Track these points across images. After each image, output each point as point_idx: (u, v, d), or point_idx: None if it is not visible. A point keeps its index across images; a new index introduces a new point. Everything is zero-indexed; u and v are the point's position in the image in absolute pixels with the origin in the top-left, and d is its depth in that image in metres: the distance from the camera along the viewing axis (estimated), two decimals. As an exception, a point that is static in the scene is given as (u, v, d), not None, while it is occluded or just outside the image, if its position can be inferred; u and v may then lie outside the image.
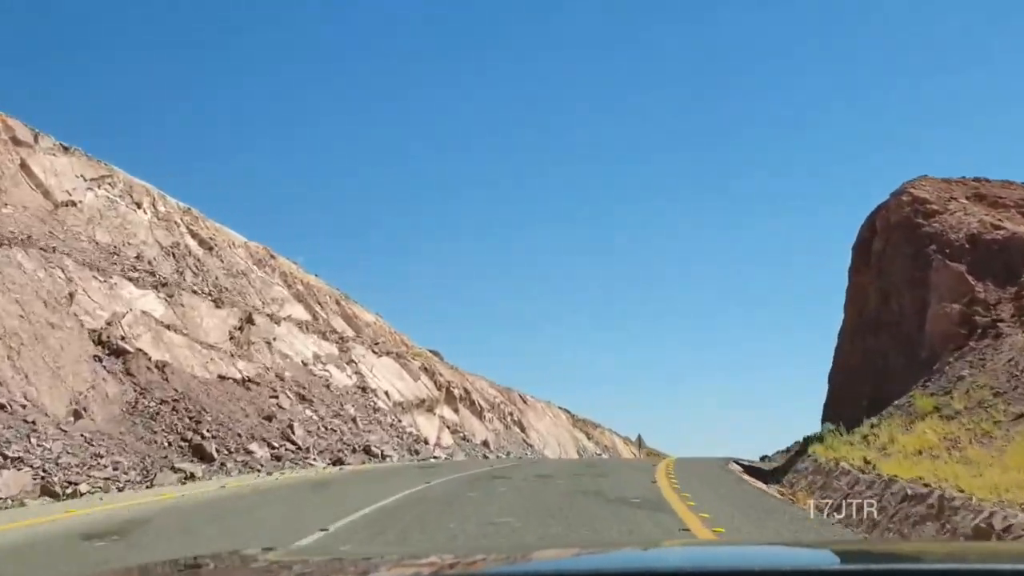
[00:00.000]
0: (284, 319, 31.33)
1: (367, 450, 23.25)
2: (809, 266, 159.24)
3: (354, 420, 25.45)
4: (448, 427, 34.90)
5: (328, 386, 27.44)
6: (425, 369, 36.82)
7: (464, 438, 34.97)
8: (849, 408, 21.62)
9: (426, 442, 29.63)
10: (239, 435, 18.86)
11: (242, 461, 17.55)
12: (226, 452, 17.66)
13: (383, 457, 23.21)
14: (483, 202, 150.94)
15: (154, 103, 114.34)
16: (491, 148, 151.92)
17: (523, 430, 43.51)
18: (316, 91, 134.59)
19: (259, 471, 17.21)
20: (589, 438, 56.06)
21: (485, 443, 35.94)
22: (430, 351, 48.04)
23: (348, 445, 22.98)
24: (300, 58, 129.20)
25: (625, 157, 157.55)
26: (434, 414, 34.71)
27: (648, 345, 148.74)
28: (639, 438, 53.81)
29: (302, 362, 28.66)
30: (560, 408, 55.38)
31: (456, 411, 37.13)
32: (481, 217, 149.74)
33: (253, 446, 18.52)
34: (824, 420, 27.47)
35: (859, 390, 21.21)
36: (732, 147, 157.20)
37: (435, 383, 36.30)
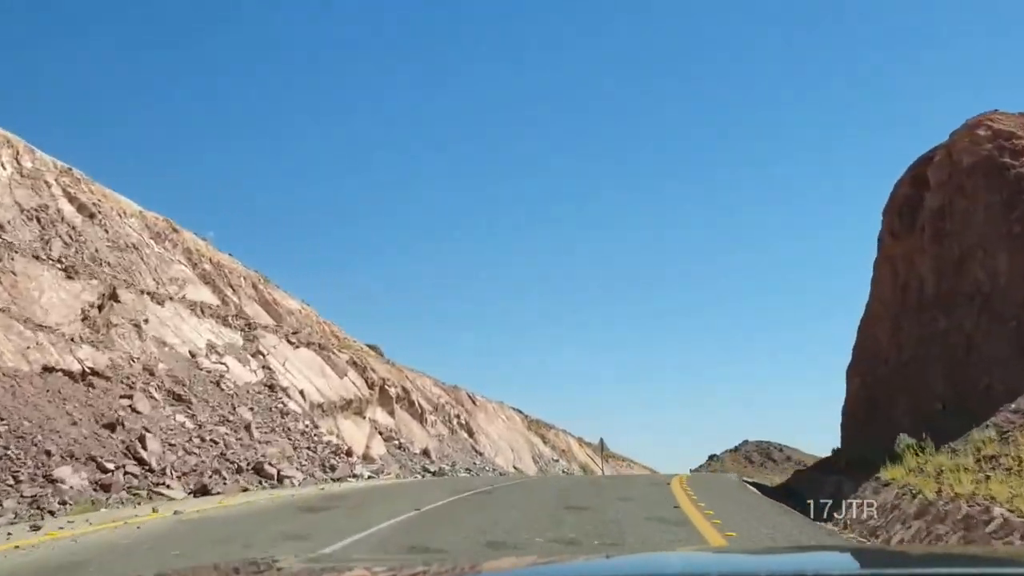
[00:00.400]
0: (170, 299, 25.05)
1: (259, 469, 17.20)
2: (768, 266, 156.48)
3: (248, 427, 19.35)
4: (381, 433, 28.93)
5: (219, 383, 21.28)
6: (355, 364, 30.76)
7: (400, 446, 29.01)
8: (902, 410, 16.23)
9: (349, 454, 23.61)
10: (47, 454, 12.70)
11: (32, 497, 11.39)
12: (11, 483, 11.52)
13: (280, 479, 17.18)
14: (445, 198, 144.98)
15: (68, 68, 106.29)
16: (450, 144, 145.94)
17: (471, 435, 37.64)
18: (248, 65, 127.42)
19: (55, 513, 11.10)
20: (545, 442, 50.36)
21: (426, 452, 30.02)
22: (368, 345, 41.96)
23: (231, 462, 16.90)
24: (226, 26, 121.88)
25: (580, 152, 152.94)
26: (364, 418, 28.70)
27: (600, 346, 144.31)
28: (601, 442, 48.42)
29: (189, 352, 22.48)
30: (513, 409, 49.64)
31: (392, 414, 31.15)
32: (439, 214, 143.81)
33: (64, 471, 12.37)
34: (846, 425, 22.14)
35: (920, 386, 15.83)
36: (696, 135, 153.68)
37: (366, 380, 30.27)
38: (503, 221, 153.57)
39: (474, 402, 41.96)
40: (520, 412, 50.97)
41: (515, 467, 39.18)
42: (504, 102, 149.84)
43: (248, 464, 17.27)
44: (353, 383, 29.25)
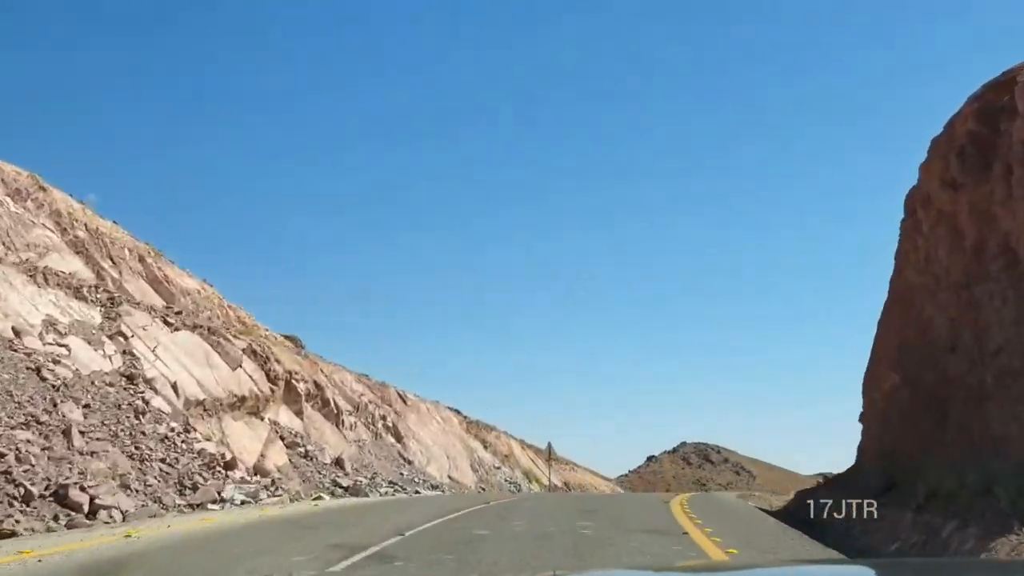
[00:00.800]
0: (-4, 261, 19.15)
1: (61, 496, 11.57)
2: (699, 268, 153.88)
3: (68, 432, 13.67)
4: (283, 438, 23.34)
5: (40, 371, 15.51)
6: (254, 353, 25.06)
7: (306, 455, 23.44)
8: (1000, 420, 11.39)
9: (230, 466, 18.03)
10: None
11: None
12: None
13: (92, 511, 11.57)
14: (408, 191, 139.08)
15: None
16: (401, 131, 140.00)
17: (400, 440, 32.14)
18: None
19: None
20: (486, 447, 45.11)
21: (338, 462, 24.49)
22: (284, 336, 36.10)
23: (18, 486, 11.25)
24: None
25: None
26: (261, 419, 23.08)
27: (541, 346, 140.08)
28: (549, 447, 43.50)
29: (12, 329, 16.70)
30: (451, 409, 44.27)
31: (299, 414, 25.56)
32: (398, 207, 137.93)
33: None
34: (874, 437, 17.34)
35: (1009, 377, 11.00)
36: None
37: (267, 373, 24.62)
38: (460, 217, 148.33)
39: (405, 401, 36.49)
40: (458, 413, 45.65)
41: (450, 477, 33.86)
42: (449, 94, 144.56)
43: (47, 488, 11.63)
44: (249, 376, 23.58)
